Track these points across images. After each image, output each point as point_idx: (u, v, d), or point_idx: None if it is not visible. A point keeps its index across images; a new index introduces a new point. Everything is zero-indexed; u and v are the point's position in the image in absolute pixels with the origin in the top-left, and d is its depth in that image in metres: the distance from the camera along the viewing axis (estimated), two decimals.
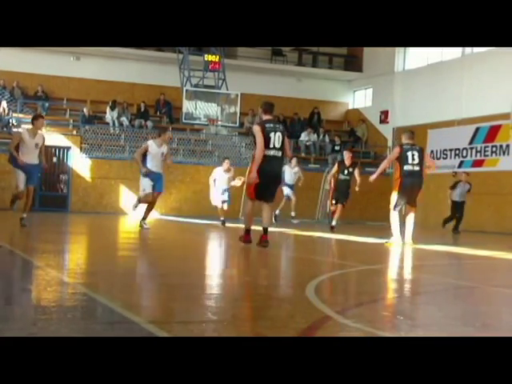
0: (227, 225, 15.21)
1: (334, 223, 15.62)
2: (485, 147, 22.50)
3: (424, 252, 10.69)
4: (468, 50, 23.59)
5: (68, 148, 22.40)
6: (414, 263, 9.22)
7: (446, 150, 23.90)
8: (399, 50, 26.72)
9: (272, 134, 8.96)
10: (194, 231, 15.12)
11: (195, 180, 22.95)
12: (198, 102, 24.18)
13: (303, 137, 26.36)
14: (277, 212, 18.23)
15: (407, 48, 26.35)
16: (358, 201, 20.33)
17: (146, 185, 12.25)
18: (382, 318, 4.15)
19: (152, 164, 12.17)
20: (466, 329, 3.81)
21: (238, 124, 24.93)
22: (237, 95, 24.51)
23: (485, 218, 21.68)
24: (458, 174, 20.14)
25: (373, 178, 11.75)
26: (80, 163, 22.44)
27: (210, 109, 24.27)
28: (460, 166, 22.99)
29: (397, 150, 11.21)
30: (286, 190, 18.47)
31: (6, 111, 23.13)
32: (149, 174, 12.18)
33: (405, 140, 11.27)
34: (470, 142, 22.99)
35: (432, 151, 23.83)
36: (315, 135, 26.82)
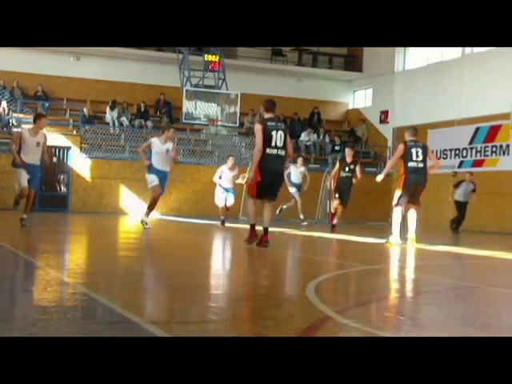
0: (227, 225, 15.20)
1: (335, 222, 15.68)
2: (485, 147, 22.49)
3: (424, 252, 10.68)
4: (468, 50, 23.59)
5: (68, 148, 22.40)
6: (414, 263, 9.21)
7: (446, 150, 23.89)
8: (399, 50, 26.71)
9: (274, 133, 8.82)
10: (193, 231, 15.11)
11: (195, 180, 22.96)
12: (198, 102, 24.17)
13: (303, 137, 26.36)
14: (284, 206, 18.25)
15: (407, 48, 26.34)
16: (359, 201, 20.36)
17: (152, 177, 12.33)
18: (382, 318, 4.15)
19: (156, 160, 12.25)
20: (466, 329, 3.81)
21: (237, 124, 24.93)
22: (237, 95, 24.50)
23: (485, 218, 21.67)
24: (461, 174, 20.10)
25: (380, 177, 11.72)
26: (80, 163, 22.44)
27: (210, 109, 24.26)
28: (460, 166, 22.99)
29: (401, 147, 11.11)
30: (292, 190, 18.46)
31: (6, 111, 23.13)
32: (154, 171, 12.25)
33: (408, 137, 11.23)
34: (470, 142, 22.99)
35: (432, 151, 23.78)
36: (315, 135, 26.82)
